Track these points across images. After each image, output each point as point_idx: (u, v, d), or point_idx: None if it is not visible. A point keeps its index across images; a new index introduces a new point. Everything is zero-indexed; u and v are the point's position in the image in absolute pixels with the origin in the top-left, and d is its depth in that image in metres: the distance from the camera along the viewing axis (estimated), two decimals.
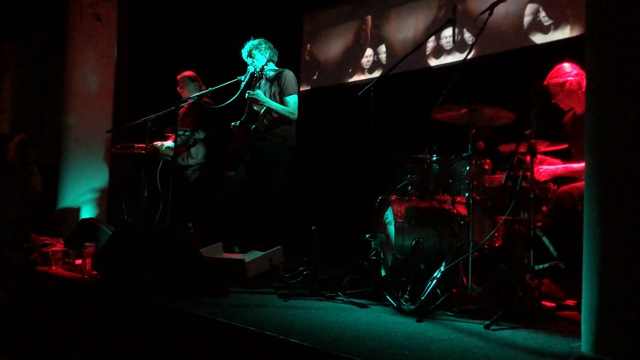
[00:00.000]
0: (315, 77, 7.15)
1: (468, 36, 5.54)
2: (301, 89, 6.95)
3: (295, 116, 4.74)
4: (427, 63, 5.89)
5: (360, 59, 6.66)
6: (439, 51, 5.81)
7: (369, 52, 6.59)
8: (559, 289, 3.38)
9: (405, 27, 6.26)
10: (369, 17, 6.67)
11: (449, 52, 5.70)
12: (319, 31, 7.20)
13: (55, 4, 7.12)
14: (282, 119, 4.71)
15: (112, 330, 3.42)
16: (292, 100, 4.72)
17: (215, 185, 5.81)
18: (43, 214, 6.40)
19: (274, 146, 4.71)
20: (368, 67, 6.58)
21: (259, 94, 4.66)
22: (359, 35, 6.74)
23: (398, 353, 2.26)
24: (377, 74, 6.37)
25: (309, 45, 7.28)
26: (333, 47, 7.01)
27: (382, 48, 6.47)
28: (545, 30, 5.00)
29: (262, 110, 4.67)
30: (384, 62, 6.40)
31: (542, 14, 5.05)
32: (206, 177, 5.66)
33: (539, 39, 5.04)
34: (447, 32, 5.57)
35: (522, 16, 5.17)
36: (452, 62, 5.59)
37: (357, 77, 6.67)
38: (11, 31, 9.05)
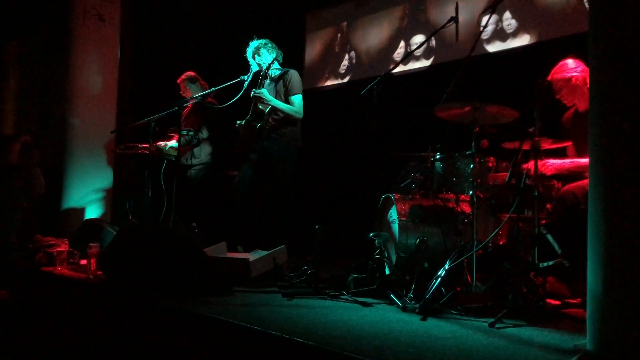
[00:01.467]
0: (317, 77, 7.15)
1: (469, 36, 5.53)
2: (304, 88, 6.95)
3: (300, 115, 4.74)
4: (430, 62, 5.89)
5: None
6: (441, 49, 5.80)
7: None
8: (563, 287, 3.38)
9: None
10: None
11: (450, 52, 5.69)
12: (320, 31, 7.21)
13: (58, 4, 7.12)
14: (288, 118, 4.71)
15: (117, 330, 3.43)
16: (298, 99, 4.72)
17: (219, 185, 5.82)
18: (47, 214, 6.42)
19: (280, 146, 4.71)
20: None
21: (264, 92, 4.66)
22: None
23: (402, 351, 2.26)
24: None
25: (311, 45, 7.28)
26: (332, 47, 7.05)
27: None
28: (547, 28, 4.99)
29: (268, 110, 4.67)
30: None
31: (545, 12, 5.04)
32: (210, 177, 5.66)
33: (542, 36, 5.03)
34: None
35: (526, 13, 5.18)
36: (455, 60, 5.58)
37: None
38: (14, 31, 9.07)
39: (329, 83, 7.02)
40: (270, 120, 4.71)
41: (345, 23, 6.93)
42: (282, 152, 4.71)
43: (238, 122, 4.87)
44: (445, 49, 5.73)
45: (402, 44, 6.21)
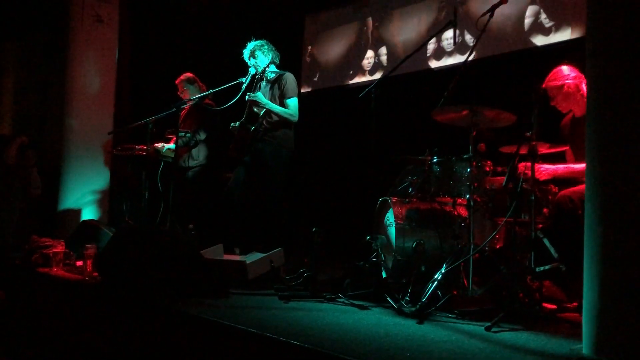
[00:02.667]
0: (316, 79, 7.15)
1: (469, 38, 5.54)
2: (302, 90, 6.96)
3: (295, 119, 4.74)
4: (428, 65, 5.90)
5: (361, 61, 6.67)
6: (440, 53, 5.81)
7: (369, 53, 6.60)
8: (560, 291, 3.38)
9: (407, 29, 6.27)
10: (370, 19, 6.68)
11: (450, 53, 5.70)
12: (320, 33, 7.21)
13: (56, 5, 7.13)
14: (282, 121, 4.71)
15: (113, 331, 3.42)
16: (293, 103, 4.72)
17: (216, 187, 5.82)
18: (44, 215, 6.41)
19: (273, 148, 4.71)
20: (369, 68, 6.59)
21: (259, 96, 4.66)
22: (359, 37, 6.75)
23: (398, 355, 2.26)
24: (377, 75, 6.39)
25: (310, 47, 7.28)
26: (334, 48, 7.02)
27: (383, 50, 6.48)
28: (546, 32, 5.00)
29: (262, 112, 4.67)
30: (385, 64, 6.41)
31: (543, 15, 5.05)
32: (207, 179, 5.66)
33: (540, 40, 5.04)
34: (448, 34, 5.58)
35: (523, 18, 5.18)
36: (453, 64, 5.59)
37: (357, 79, 6.68)
38: (12, 32, 9.06)
39: (327, 85, 7.02)
40: (264, 122, 4.71)
41: (346, 26, 6.92)
42: (275, 155, 4.71)
43: (232, 124, 4.87)
44: (447, 51, 5.74)
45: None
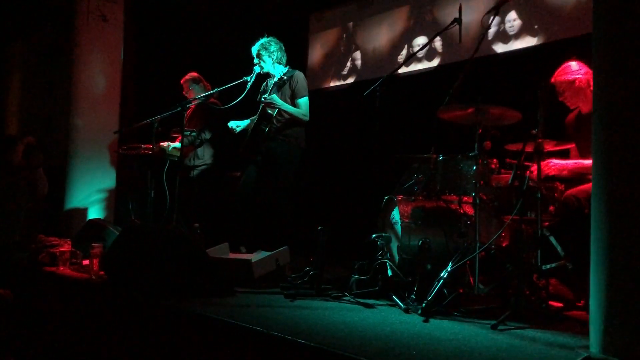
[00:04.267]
0: (320, 78, 7.15)
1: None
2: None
3: (307, 118, 4.75)
4: (433, 64, 5.89)
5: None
6: (447, 51, 5.80)
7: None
8: (566, 289, 3.37)
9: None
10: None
11: (456, 51, 5.68)
12: (324, 31, 7.21)
13: (61, 4, 7.15)
14: (294, 120, 4.71)
15: (119, 330, 3.43)
16: (304, 102, 4.73)
17: (222, 186, 5.82)
18: (51, 214, 6.44)
19: (285, 147, 4.71)
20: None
21: (275, 98, 4.66)
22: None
23: (405, 353, 2.26)
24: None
25: (315, 46, 7.28)
26: (335, 48, 7.06)
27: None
28: (550, 30, 4.99)
29: (275, 112, 4.68)
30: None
31: (548, 14, 5.04)
32: (212, 178, 5.67)
33: (543, 38, 5.03)
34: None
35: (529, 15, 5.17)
36: (459, 62, 5.58)
37: (358, 79, 6.74)
38: (18, 32, 9.10)
39: (332, 84, 7.02)
40: (275, 122, 4.72)
41: (349, 24, 6.93)
42: (287, 154, 4.72)
43: (234, 124, 4.86)
44: (449, 50, 5.73)
45: (405, 45, 6.21)
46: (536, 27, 5.09)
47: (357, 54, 6.78)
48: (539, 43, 5.07)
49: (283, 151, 4.71)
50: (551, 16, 4.97)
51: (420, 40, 6.01)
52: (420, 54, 5.88)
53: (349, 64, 6.84)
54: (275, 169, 4.71)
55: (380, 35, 6.52)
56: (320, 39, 7.24)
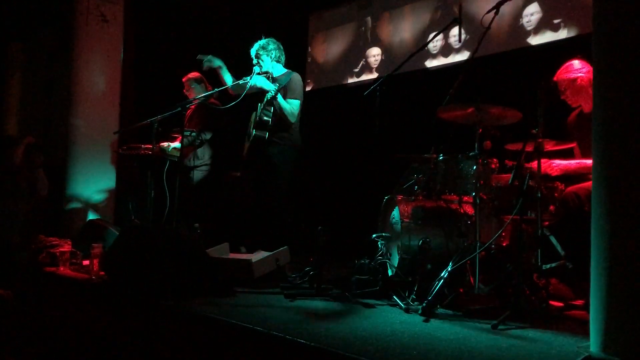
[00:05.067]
0: (320, 77, 7.15)
1: (467, 37, 5.53)
2: (307, 88, 6.97)
3: (294, 119, 4.71)
4: (433, 63, 5.89)
5: (360, 60, 6.73)
6: (447, 50, 5.80)
7: (370, 52, 6.64)
8: (566, 289, 3.37)
9: (401, 30, 6.37)
10: (369, 19, 6.74)
11: (457, 50, 5.68)
12: (323, 32, 7.21)
13: (61, 4, 7.15)
14: (285, 122, 4.70)
15: (119, 330, 3.43)
16: (295, 103, 4.71)
17: (222, 186, 5.82)
18: (51, 215, 6.43)
19: (280, 148, 4.71)
20: (375, 66, 6.61)
21: (279, 97, 4.66)
22: (358, 37, 6.80)
23: (405, 353, 2.26)
24: (374, 75, 6.51)
25: (314, 46, 7.28)
26: (335, 48, 7.04)
27: (378, 50, 6.59)
28: (554, 28, 4.98)
29: (271, 118, 4.67)
30: (381, 64, 6.50)
31: (548, 13, 5.03)
32: (212, 178, 5.67)
33: (546, 37, 5.02)
34: (454, 31, 5.59)
35: (528, 15, 5.16)
36: (459, 61, 5.58)
37: (358, 78, 6.70)
38: (17, 32, 9.10)
39: (332, 84, 7.02)
40: (270, 124, 4.71)
41: (349, 24, 6.92)
42: (282, 154, 4.71)
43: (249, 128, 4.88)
44: (451, 49, 5.73)
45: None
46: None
47: (359, 54, 6.77)
48: (540, 42, 5.06)
49: (279, 152, 4.71)
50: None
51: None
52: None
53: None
54: (272, 169, 4.71)
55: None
56: (320, 39, 7.24)
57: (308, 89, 7.03)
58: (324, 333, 2.54)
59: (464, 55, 5.60)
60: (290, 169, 4.76)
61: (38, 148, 5.97)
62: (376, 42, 6.61)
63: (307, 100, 4.88)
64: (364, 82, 6.51)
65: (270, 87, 4.69)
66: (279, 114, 4.66)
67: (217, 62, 4.91)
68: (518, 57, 5.18)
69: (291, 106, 4.69)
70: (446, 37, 5.76)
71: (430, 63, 5.91)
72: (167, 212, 5.21)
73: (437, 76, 5.73)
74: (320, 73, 7.17)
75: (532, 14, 5.16)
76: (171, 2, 7.85)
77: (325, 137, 6.61)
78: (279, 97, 4.66)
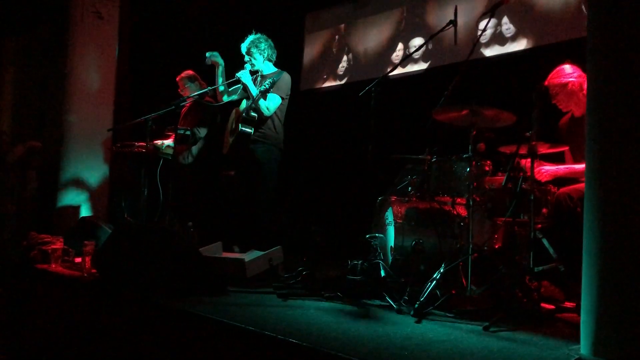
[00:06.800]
0: (315, 78, 7.15)
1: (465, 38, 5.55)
2: (301, 89, 6.98)
3: (268, 113, 4.68)
4: (429, 64, 5.90)
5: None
6: (440, 52, 5.81)
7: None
8: (558, 291, 3.38)
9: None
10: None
11: (451, 53, 5.69)
12: (318, 32, 7.22)
13: (56, 1, 7.11)
14: (272, 122, 4.69)
15: (111, 328, 3.42)
16: (274, 99, 4.68)
17: (215, 185, 5.81)
18: (43, 212, 6.40)
19: (264, 147, 4.71)
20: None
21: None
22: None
23: (397, 354, 2.26)
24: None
25: (309, 46, 7.29)
26: (319, 49, 7.11)
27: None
28: (545, 33, 5.01)
29: (257, 115, 4.67)
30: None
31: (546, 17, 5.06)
32: (206, 176, 5.65)
33: (539, 41, 5.04)
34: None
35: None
36: (453, 63, 5.59)
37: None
38: (12, 28, 9.06)
39: (327, 84, 7.02)
40: (256, 120, 4.70)
41: (344, 24, 6.93)
42: (267, 154, 4.71)
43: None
44: (444, 52, 5.74)
45: (400, 46, 6.22)
46: (531, 30, 5.11)
47: (351, 55, 6.78)
48: (533, 46, 5.08)
49: (263, 152, 4.71)
50: (546, 19, 4.99)
51: (417, 42, 6.02)
52: (416, 55, 5.89)
53: (344, 64, 6.84)
54: (256, 169, 4.71)
55: (374, 35, 6.52)
56: (316, 39, 7.24)
57: (303, 89, 7.03)
58: (316, 333, 2.54)
59: (457, 58, 5.61)
60: (274, 168, 4.76)
61: (40, 153, 5.95)
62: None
63: (302, 101, 4.87)
64: (360, 83, 6.51)
65: (254, 92, 4.67)
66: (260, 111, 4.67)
67: (220, 62, 4.88)
68: (513, 60, 5.19)
69: (268, 99, 4.67)
70: (438, 40, 5.77)
71: (426, 65, 5.93)
72: (160, 211, 5.20)
73: (432, 78, 5.73)
74: (316, 73, 7.16)
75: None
76: (167, 0, 7.83)
77: (320, 138, 6.61)
78: (254, 90, 4.65)
